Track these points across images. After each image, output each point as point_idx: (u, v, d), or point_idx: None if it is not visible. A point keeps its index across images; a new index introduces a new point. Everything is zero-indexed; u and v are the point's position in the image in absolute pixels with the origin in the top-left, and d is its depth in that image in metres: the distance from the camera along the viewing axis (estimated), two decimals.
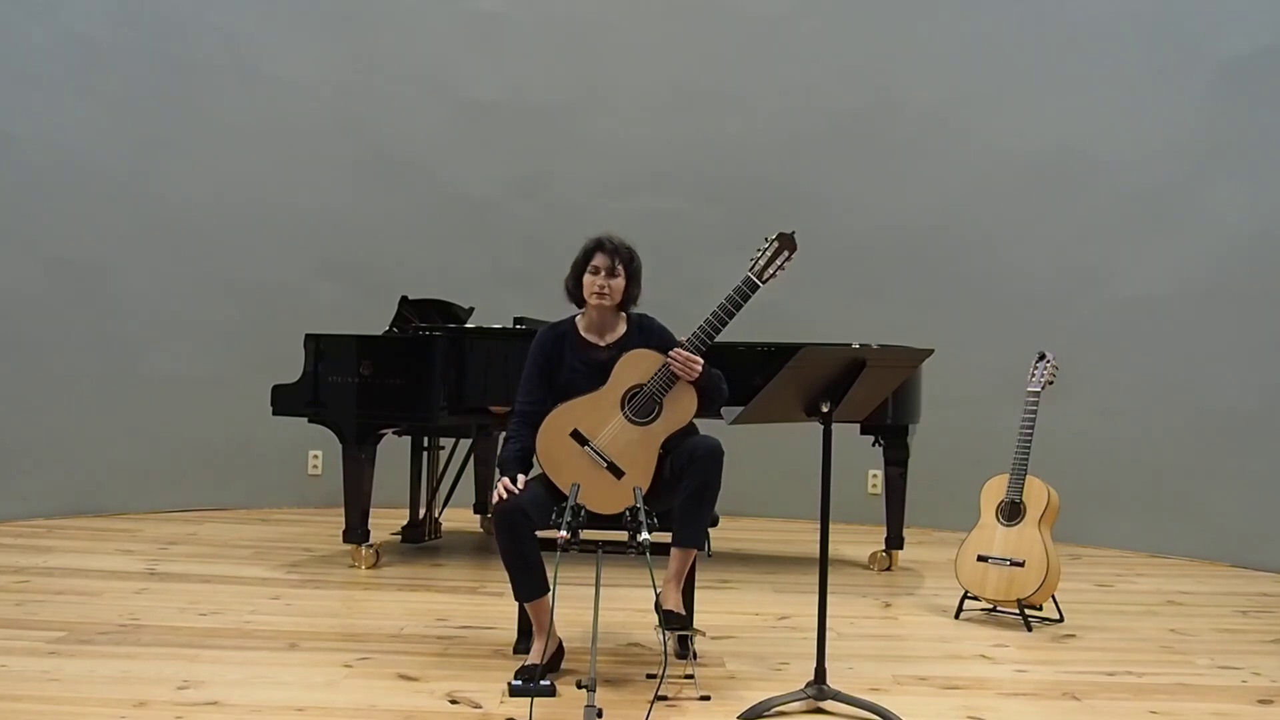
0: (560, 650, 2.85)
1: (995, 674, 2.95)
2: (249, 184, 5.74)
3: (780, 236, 2.82)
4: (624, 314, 3.01)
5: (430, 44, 5.93)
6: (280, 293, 5.75)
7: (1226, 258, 4.93)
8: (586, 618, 3.07)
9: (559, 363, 2.94)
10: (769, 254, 2.80)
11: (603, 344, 2.96)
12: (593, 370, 2.89)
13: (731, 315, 2.79)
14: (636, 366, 2.82)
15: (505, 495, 2.70)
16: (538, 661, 2.68)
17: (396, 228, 5.92)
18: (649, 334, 2.97)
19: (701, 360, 2.78)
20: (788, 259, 2.81)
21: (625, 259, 2.92)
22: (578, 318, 3.02)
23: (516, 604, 2.86)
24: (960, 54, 5.60)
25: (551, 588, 2.61)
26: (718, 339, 2.81)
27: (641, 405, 2.80)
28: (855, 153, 5.78)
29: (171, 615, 3.34)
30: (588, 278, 2.90)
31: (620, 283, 2.91)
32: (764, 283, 2.80)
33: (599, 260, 2.89)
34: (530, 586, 2.73)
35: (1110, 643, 3.32)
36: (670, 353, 2.78)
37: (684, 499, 2.75)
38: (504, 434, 2.99)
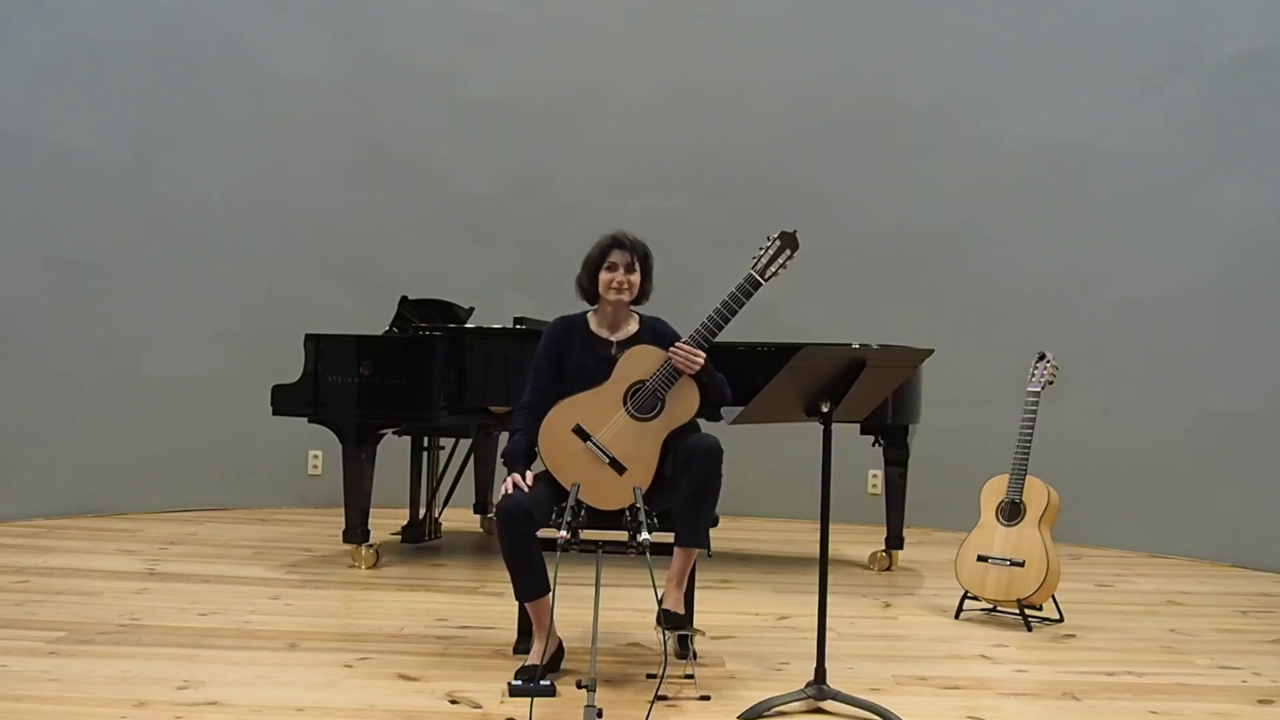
0: (560, 650, 2.85)
1: (995, 674, 2.95)
2: (249, 184, 5.74)
3: (782, 235, 2.83)
4: (636, 314, 3.03)
5: (430, 44, 5.93)
6: (280, 293, 5.75)
7: (1226, 258, 4.93)
8: (586, 618, 3.07)
9: (568, 354, 2.95)
10: (771, 252, 2.82)
11: (613, 340, 2.97)
12: (601, 365, 2.89)
13: (733, 314, 2.80)
14: (639, 363, 2.83)
15: (511, 492, 2.70)
16: (538, 662, 2.68)
17: (396, 228, 5.93)
18: (660, 336, 2.98)
19: (703, 355, 2.78)
20: (790, 257, 2.82)
21: (641, 255, 2.96)
22: (590, 313, 3.03)
23: (517, 604, 2.86)
24: (960, 54, 5.60)
25: (552, 588, 2.61)
26: (718, 339, 2.81)
27: (644, 401, 2.80)
28: (855, 152, 5.78)
29: (171, 615, 3.34)
30: (604, 274, 2.91)
31: (636, 278, 2.94)
32: (766, 281, 2.82)
33: (616, 257, 2.92)
34: (531, 586, 2.73)
35: (1110, 643, 3.32)
36: (672, 346, 2.79)
37: (683, 498, 2.75)
38: (510, 427, 2.99)
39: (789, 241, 2.82)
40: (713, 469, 2.74)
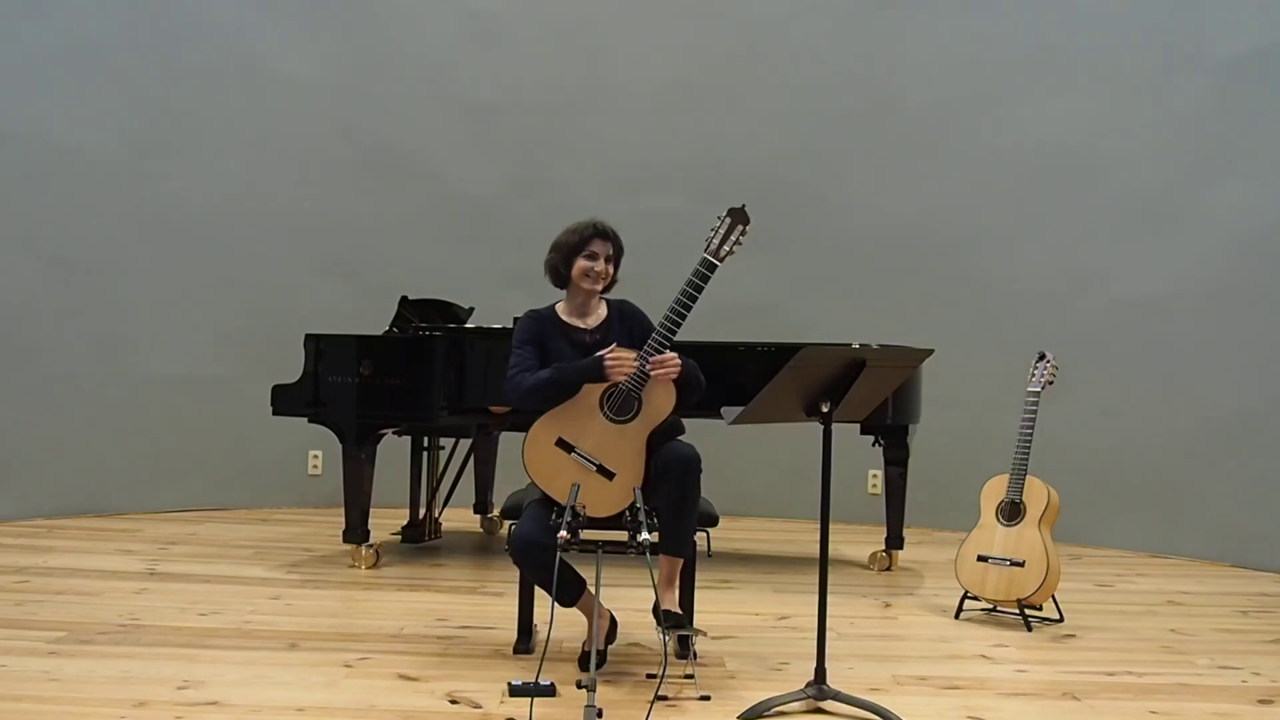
0: (613, 622, 2.92)
1: (995, 674, 2.96)
2: (249, 184, 5.74)
3: (731, 212, 2.78)
4: (604, 300, 3.04)
5: (430, 44, 5.93)
6: (280, 293, 5.75)
7: (1226, 258, 4.93)
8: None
9: (544, 346, 2.95)
10: (723, 231, 2.77)
11: (585, 327, 2.98)
12: (579, 352, 2.90)
13: (693, 300, 2.75)
14: None
15: (617, 363, 2.71)
16: (600, 646, 2.71)
17: (396, 228, 5.92)
18: (629, 319, 3.00)
19: (676, 359, 2.75)
20: (743, 233, 2.77)
21: (619, 247, 2.98)
22: (557, 305, 3.03)
23: (517, 604, 2.89)
24: (960, 54, 5.60)
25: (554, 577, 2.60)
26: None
27: (619, 403, 2.79)
28: (855, 153, 5.77)
29: (171, 615, 3.34)
30: (583, 262, 2.91)
31: (611, 268, 2.96)
32: (721, 261, 2.77)
33: (598, 247, 2.92)
34: (571, 593, 2.77)
35: (1110, 643, 3.32)
36: (648, 368, 2.73)
37: (664, 511, 2.75)
38: (514, 377, 2.85)
39: (739, 217, 2.77)
40: (686, 484, 2.73)
